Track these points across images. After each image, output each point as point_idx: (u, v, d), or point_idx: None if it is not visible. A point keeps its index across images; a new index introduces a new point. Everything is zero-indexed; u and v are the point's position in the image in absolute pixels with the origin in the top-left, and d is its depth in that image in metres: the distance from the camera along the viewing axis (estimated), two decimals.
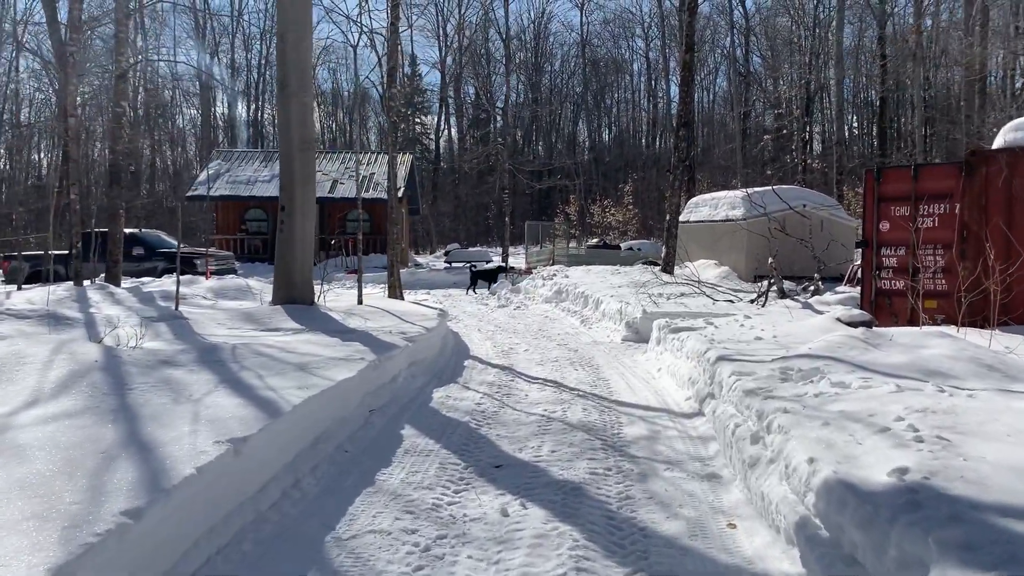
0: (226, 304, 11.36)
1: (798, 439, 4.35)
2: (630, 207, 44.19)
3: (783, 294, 15.52)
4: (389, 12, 12.88)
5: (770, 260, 14.66)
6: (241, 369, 6.60)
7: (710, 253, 20.65)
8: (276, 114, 11.47)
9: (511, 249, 36.88)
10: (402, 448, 6.09)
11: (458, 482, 5.36)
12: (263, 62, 65.18)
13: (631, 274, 18.95)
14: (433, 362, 9.60)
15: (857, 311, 9.27)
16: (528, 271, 23.23)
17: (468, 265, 26.19)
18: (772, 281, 14.94)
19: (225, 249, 31.47)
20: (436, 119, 67.38)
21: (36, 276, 20.56)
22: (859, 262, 18.99)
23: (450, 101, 66.92)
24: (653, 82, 67.78)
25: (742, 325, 9.88)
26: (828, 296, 15.43)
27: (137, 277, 20.35)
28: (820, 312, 13.31)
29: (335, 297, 12.77)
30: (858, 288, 17.33)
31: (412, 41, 72.89)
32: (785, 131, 41.42)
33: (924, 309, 10.29)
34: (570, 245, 31.48)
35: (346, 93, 73.35)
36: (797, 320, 10.56)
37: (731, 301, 14.73)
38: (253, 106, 66.26)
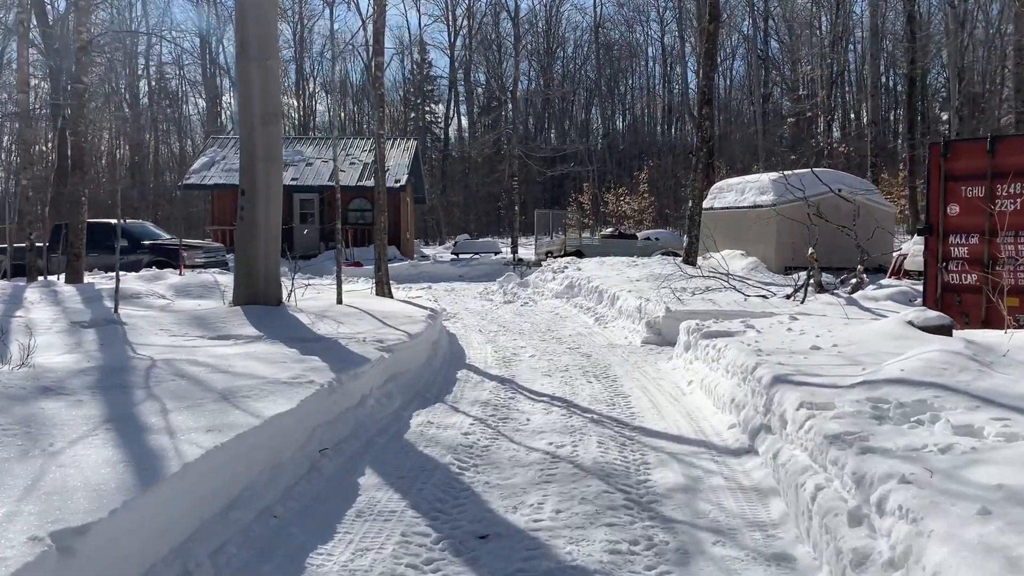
0: (183, 304, 9.83)
1: (947, 543, 2.69)
2: (646, 195, 42.37)
3: (821, 288, 13.82)
4: None
5: (810, 250, 12.95)
6: (147, 398, 5.01)
7: (736, 242, 18.94)
8: (236, 81, 9.99)
9: (522, 239, 35.27)
10: (355, 508, 4.49)
11: (424, 567, 3.77)
12: None
13: (650, 266, 17.28)
14: (418, 375, 7.98)
15: (933, 313, 7.60)
16: (538, 263, 21.60)
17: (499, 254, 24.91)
18: (811, 273, 13.23)
19: (221, 240, 29.99)
20: (445, 106, 65.62)
21: (20, 270, 19.17)
22: (905, 251, 17.25)
23: (460, 87, 65.13)
24: (669, 67, 65.81)
25: (789, 329, 8.21)
26: (873, 290, 13.72)
27: (121, 271, 18.86)
28: (867, 309, 11.65)
29: (316, 295, 11.19)
30: (905, 281, 15.62)
31: (420, 26, 71.19)
32: (809, 114, 39.53)
33: (1005, 308, 8.61)
34: (583, 235, 29.77)
35: (356, 80, 71.71)
36: (855, 322, 8.88)
37: (764, 297, 13.06)
38: None
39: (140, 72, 60.96)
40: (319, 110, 69.58)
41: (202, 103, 64.56)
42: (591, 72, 67.41)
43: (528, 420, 6.61)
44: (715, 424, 6.52)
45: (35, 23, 16.84)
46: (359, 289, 12.46)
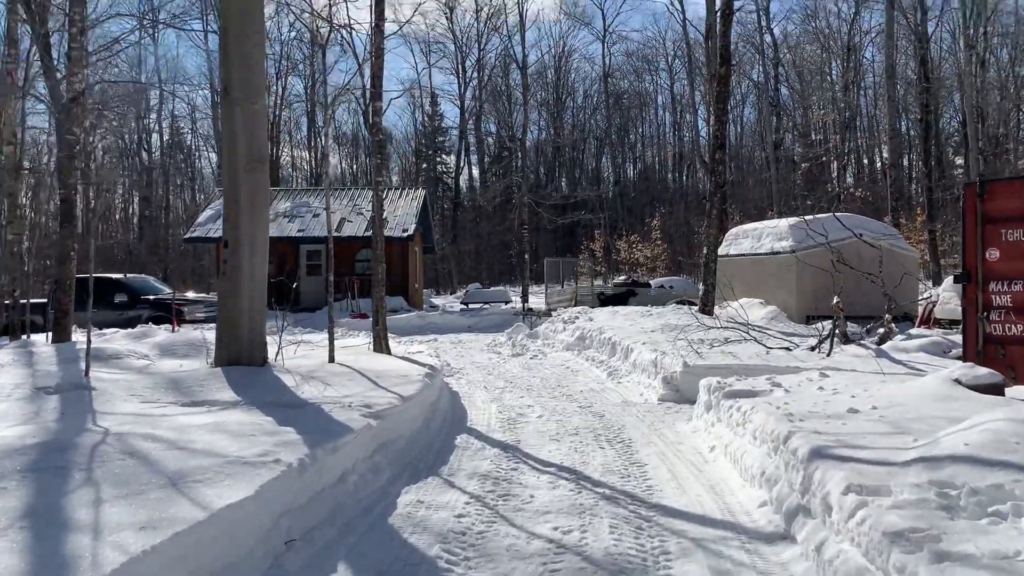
0: (164, 365, 9.18)
1: None
2: (658, 242, 41.75)
3: (847, 338, 13.04)
4: (373, 9, 10.74)
5: (835, 299, 12.22)
6: (83, 484, 4.31)
7: (754, 290, 18.21)
8: (220, 125, 9.51)
9: (534, 288, 34.63)
10: None
11: None
12: (277, 102, 64.02)
13: (665, 315, 16.55)
14: (411, 443, 7.25)
15: (983, 370, 6.84)
16: (548, 313, 20.91)
17: (599, 295, 24.32)
18: (836, 323, 12.47)
19: None
20: (456, 157, 65.64)
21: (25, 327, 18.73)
22: (934, 298, 16.47)
23: (470, 137, 65.19)
24: (679, 115, 65.70)
25: (820, 388, 7.46)
26: (903, 341, 12.94)
27: (120, 327, 18.29)
28: (900, 362, 10.88)
29: (309, 351, 10.51)
30: (936, 330, 14.82)
31: (431, 78, 71.68)
32: (823, 159, 39.01)
33: None
34: (595, 283, 29.07)
35: (365, 136, 72.01)
36: (892, 379, 8.12)
37: (787, 349, 12.29)
38: (272, 147, 64.97)
39: (152, 126, 61.37)
40: (332, 162, 69.83)
41: (215, 157, 64.79)
42: (601, 121, 67.42)
43: (532, 497, 5.86)
44: (743, 500, 5.75)
45: (41, 73, 16.48)
46: (357, 344, 11.80)
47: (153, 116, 60.92)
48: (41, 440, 5.36)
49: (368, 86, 12.12)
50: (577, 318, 17.26)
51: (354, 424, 6.18)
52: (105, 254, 52.40)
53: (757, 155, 57.23)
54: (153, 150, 61.72)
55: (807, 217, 15.75)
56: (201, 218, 30.90)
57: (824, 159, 39.77)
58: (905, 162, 53.30)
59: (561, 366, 14.44)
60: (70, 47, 13.07)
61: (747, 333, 12.85)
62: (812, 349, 12.42)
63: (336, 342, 13.45)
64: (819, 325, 15.12)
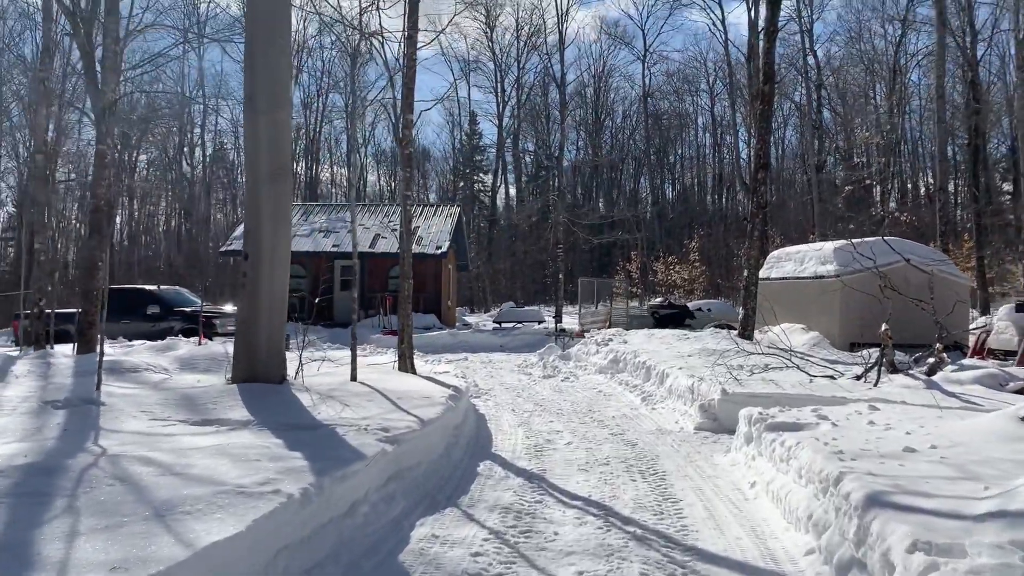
0: (182, 380, 8.89)
1: None
2: (696, 264, 41.06)
3: (895, 368, 12.39)
4: (406, 19, 10.44)
5: (883, 326, 11.60)
6: (62, 513, 3.96)
7: (795, 316, 17.56)
8: (243, 135, 9.23)
9: (569, 308, 34.15)
10: None
11: None
12: (318, 118, 64.49)
13: (703, 340, 15.98)
14: (431, 470, 6.83)
15: None
16: (581, 334, 20.42)
17: (653, 313, 23.61)
18: (884, 352, 11.84)
19: None
20: (492, 175, 65.51)
21: (57, 336, 18.71)
22: (988, 328, 15.71)
23: (508, 156, 65.03)
24: (719, 137, 64.98)
25: (871, 422, 6.90)
26: (955, 372, 12.25)
27: (152, 339, 18.17)
28: (953, 394, 10.21)
29: (332, 369, 10.15)
30: (990, 361, 14.08)
31: (470, 98, 71.78)
32: (868, 181, 38.12)
33: None
34: (630, 304, 28.50)
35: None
36: (949, 415, 7.54)
37: (831, 377, 11.68)
38: (312, 163, 65.36)
39: (196, 140, 62.14)
40: (370, 180, 70.12)
41: None
42: (640, 141, 66.91)
43: (556, 535, 5.41)
44: (787, 546, 5.24)
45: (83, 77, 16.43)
46: (382, 363, 11.44)
47: (197, 130, 61.75)
48: (32, 460, 5.04)
49: (399, 97, 11.66)
50: (611, 340, 16.76)
51: (368, 449, 5.78)
52: (147, 265, 53.03)
53: (798, 178, 56.27)
54: (196, 164, 62.46)
55: (854, 240, 15.12)
56: (237, 232, 30.93)
57: (868, 182, 38.86)
58: (951, 187, 52.10)
59: (593, 390, 13.95)
60: (104, 56, 12.98)
61: (789, 360, 12.27)
62: (858, 378, 11.80)
63: (363, 359, 13.14)
64: (864, 353, 14.47)
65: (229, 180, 65.52)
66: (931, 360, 13.01)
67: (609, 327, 21.56)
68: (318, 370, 10.02)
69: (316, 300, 22.75)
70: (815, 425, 6.98)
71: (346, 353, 14.79)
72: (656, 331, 17.51)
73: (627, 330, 18.93)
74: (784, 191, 57.15)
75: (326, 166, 68.01)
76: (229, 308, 21.88)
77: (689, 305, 26.08)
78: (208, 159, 62.72)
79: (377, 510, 5.46)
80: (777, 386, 10.68)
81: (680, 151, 70.66)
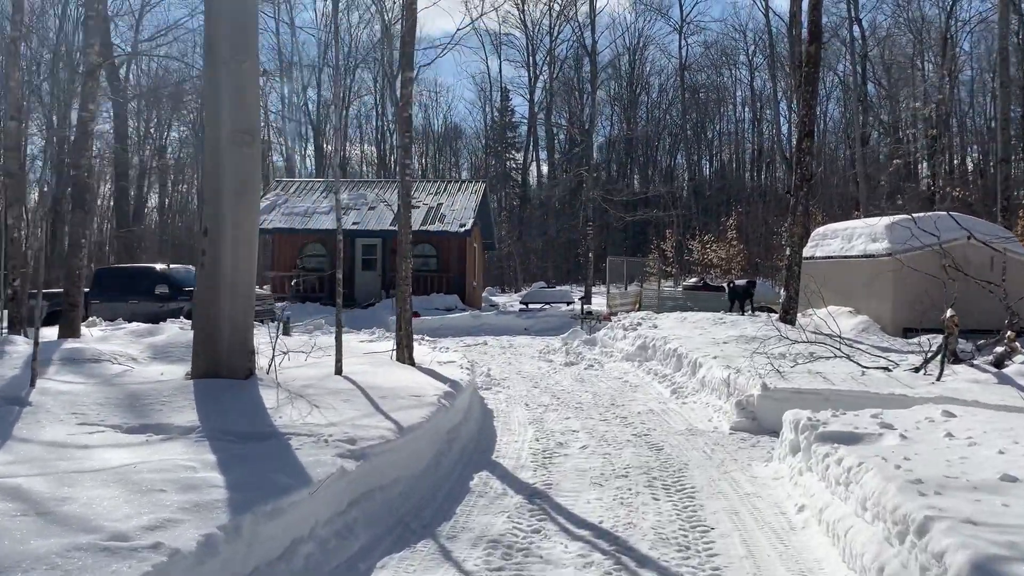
0: (144, 372, 7.84)
1: None
2: (734, 243, 39.40)
3: (956, 358, 11.03)
4: None
5: (948, 312, 10.24)
6: None
7: (842, 298, 16.13)
8: (203, 90, 8.10)
9: (599, 288, 32.86)
10: None
11: None
12: (347, 95, 63.40)
13: (740, 324, 14.66)
14: (411, 488, 5.71)
15: None
16: (608, 317, 19.17)
17: (729, 284, 22.29)
18: (947, 340, 10.47)
19: (280, 288, 28.60)
20: (523, 152, 64.06)
21: (55, 317, 18.01)
22: None
23: (540, 130, 63.49)
24: (758, 111, 62.79)
25: (949, 435, 5.61)
26: None
27: (160, 320, 17.27)
28: None
29: (320, 358, 9.00)
30: None
31: (502, 73, 70.13)
32: (917, 155, 36.18)
33: None
34: (663, 285, 27.05)
35: (436, 127, 71.10)
36: None
37: (886, 369, 10.36)
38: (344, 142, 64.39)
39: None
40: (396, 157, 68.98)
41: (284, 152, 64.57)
42: (676, 116, 64.95)
43: None
44: None
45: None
46: (381, 351, 10.31)
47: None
48: None
49: (396, 51, 10.41)
50: (640, 324, 15.49)
51: (320, 470, 4.65)
52: (175, 241, 52.35)
53: (841, 153, 54.08)
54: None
55: (915, 215, 13.63)
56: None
57: (917, 156, 36.90)
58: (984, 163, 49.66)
59: (618, 379, 12.74)
60: (86, 16, 11.96)
61: (838, 349, 10.94)
62: (917, 370, 10.45)
63: (363, 346, 12.06)
64: (920, 340, 13.09)
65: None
66: (999, 349, 11.60)
67: (639, 309, 20.27)
68: (306, 360, 8.92)
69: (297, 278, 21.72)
70: (878, 436, 5.71)
71: (353, 338, 13.73)
72: (689, 315, 16.19)
73: (658, 313, 17.63)
74: (827, 167, 54.99)
75: (356, 144, 66.86)
76: None
77: (726, 285, 24.63)
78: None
79: (327, 548, 4.33)
80: (825, 380, 9.38)
81: (718, 126, 68.56)
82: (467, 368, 9.60)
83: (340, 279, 8.76)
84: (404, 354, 9.24)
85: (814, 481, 5.70)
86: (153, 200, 56.65)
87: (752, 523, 5.45)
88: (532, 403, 10.35)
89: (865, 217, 23.65)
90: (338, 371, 7.91)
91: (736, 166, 68.27)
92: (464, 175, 65.43)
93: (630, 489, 6.23)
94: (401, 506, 5.35)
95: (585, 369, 13.78)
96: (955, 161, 50.72)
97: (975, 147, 53.25)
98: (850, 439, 5.70)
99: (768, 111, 60.29)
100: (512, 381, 12.29)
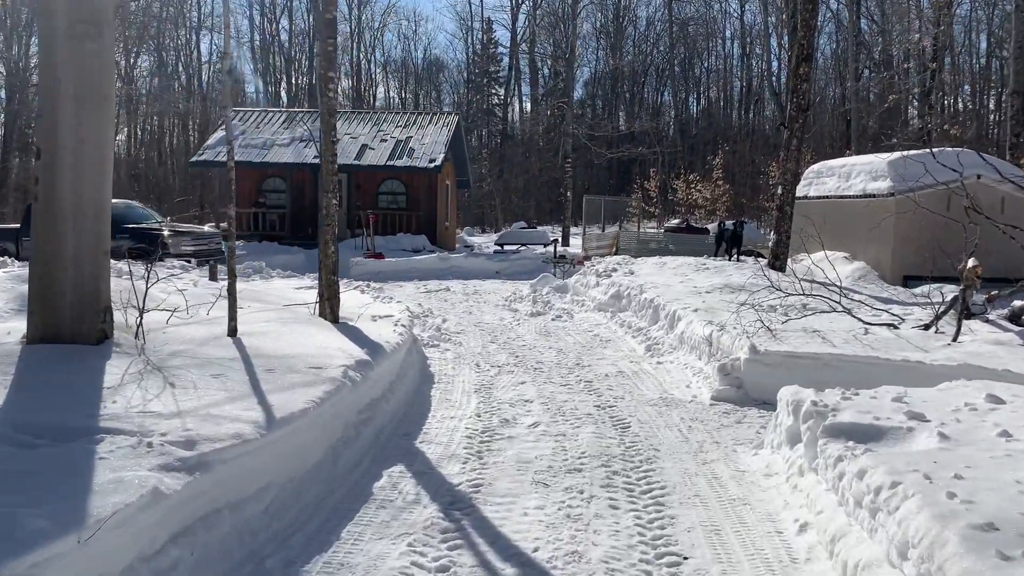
0: None
1: None
2: (720, 182, 37.81)
3: (968, 312, 9.64)
4: None
5: (971, 261, 8.84)
6: None
7: (838, 242, 14.69)
8: None
9: (577, 230, 31.33)
10: None
11: None
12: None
13: (725, 271, 13.22)
14: (285, 499, 4.26)
15: None
16: (583, 261, 17.72)
17: (719, 224, 18.31)
18: (964, 294, 9.07)
19: (240, 226, 26.84)
20: (504, 86, 61.69)
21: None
22: None
23: (523, 63, 60.99)
24: (748, 45, 60.50)
25: (1006, 435, 4.19)
26: None
27: None
28: None
29: (223, 312, 7.47)
30: None
31: (483, 2, 67.18)
32: (913, 91, 34.51)
33: None
34: (645, 227, 25.48)
35: (419, 61, 68.30)
36: None
37: (892, 326, 8.98)
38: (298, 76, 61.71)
39: (192, 48, 58.74)
40: (379, 94, 66.24)
41: (259, 82, 61.93)
42: (664, 50, 62.60)
43: None
44: None
45: None
46: (301, 304, 8.73)
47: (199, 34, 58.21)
48: None
49: None
50: (615, 270, 14.01)
51: (114, 498, 3.18)
52: (152, 182, 49.80)
53: (831, 92, 52.17)
54: (193, 74, 58.97)
55: (931, 150, 12.11)
56: (211, 140, 28.09)
57: (914, 91, 35.21)
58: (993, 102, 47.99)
59: (588, 332, 11.33)
60: None
61: (837, 302, 9.52)
62: (927, 328, 9.06)
63: (301, 294, 10.53)
64: (923, 290, 11.74)
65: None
66: (1018, 303, 10.24)
67: (616, 253, 18.76)
68: (208, 313, 7.41)
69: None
70: (907, 433, 4.30)
71: (290, 285, 12.23)
72: (669, 259, 14.71)
73: (636, 257, 16.14)
74: (816, 105, 53.12)
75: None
76: (184, 228, 19.27)
77: (710, 227, 23.14)
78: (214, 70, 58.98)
79: None
80: (824, 340, 7.99)
81: (706, 63, 66.26)
82: (405, 324, 8.09)
83: (231, 217, 7.17)
84: (326, 309, 7.72)
85: (822, 491, 4.31)
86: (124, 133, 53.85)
87: (739, 549, 4.07)
88: (485, 363, 8.92)
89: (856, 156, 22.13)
90: (231, 331, 6.40)
91: (724, 104, 66.22)
92: (447, 112, 63.06)
93: (582, 492, 4.82)
94: (261, 532, 3.91)
95: (552, 320, 12.34)
96: (947, 101, 49.02)
97: (966, 87, 51.61)
98: (871, 435, 4.29)
99: (758, 47, 58.11)
100: (468, 335, 10.84)
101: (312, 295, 10.73)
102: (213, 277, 11.58)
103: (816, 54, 54.81)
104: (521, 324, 11.98)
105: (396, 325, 7.85)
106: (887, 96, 39.32)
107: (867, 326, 8.81)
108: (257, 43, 60.95)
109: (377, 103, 63.74)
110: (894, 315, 9.63)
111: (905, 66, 36.30)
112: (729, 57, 65.58)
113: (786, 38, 43.99)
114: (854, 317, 9.16)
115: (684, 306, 10.31)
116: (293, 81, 62.89)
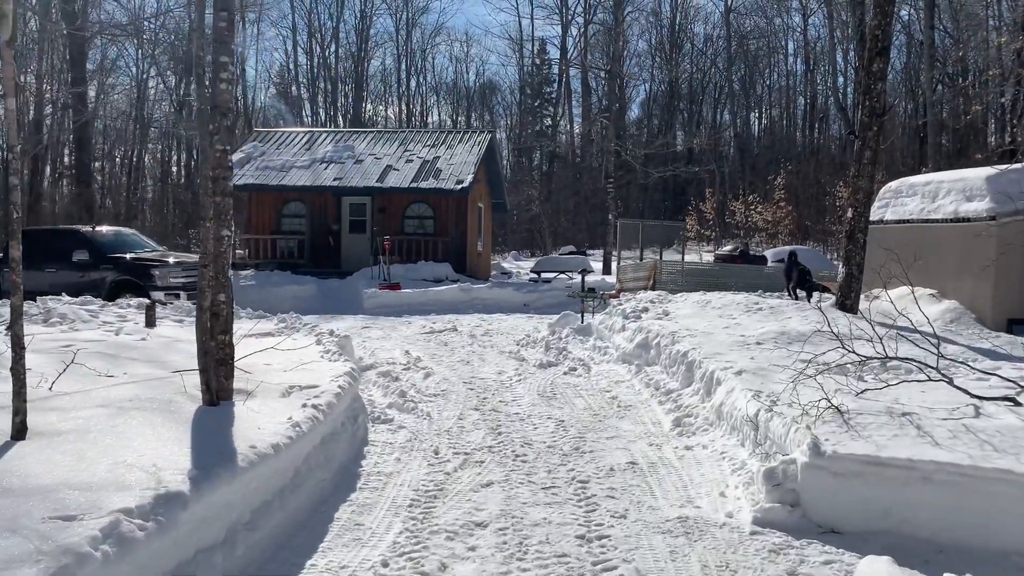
0: None
1: None
2: (782, 204, 34.94)
3: None
4: None
5: None
6: None
7: (922, 276, 12.00)
8: None
9: (623, 254, 28.86)
10: None
11: None
12: (365, 44, 59.60)
13: (783, 313, 10.71)
14: None
15: None
16: (617, 294, 15.30)
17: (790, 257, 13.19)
18: None
19: (256, 252, 25.15)
20: (553, 105, 59.61)
21: None
22: None
23: (575, 82, 58.87)
24: (812, 61, 57.26)
25: None
26: None
27: (78, 293, 13.86)
28: None
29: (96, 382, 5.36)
30: None
31: (533, 22, 65.33)
32: (1002, 100, 31.36)
33: None
34: (702, 250, 22.78)
35: (472, 83, 66.66)
36: None
37: (1011, 401, 6.45)
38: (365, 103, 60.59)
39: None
40: (431, 118, 64.73)
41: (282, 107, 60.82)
42: (722, 65, 59.83)
43: None
44: None
45: None
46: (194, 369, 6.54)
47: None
48: None
49: None
50: (646, 310, 11.56)
51: None
52: (131, 208, 48.04)
53: (901, 107, 48.78)
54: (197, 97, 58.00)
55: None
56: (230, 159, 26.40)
57: (1000, 102, 32.04)
58: None
59: (604, 392, 8.97)
60: None
61: (934, 366, 6.97)
62: None
63: (264, 341, 8.37)
64: None
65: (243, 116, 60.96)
66: None
67: (653, 286, 16.23)
68: (48, 385, 5.31)
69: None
70: None
71: (268, 327, 10.09)
72: (714, 296, 12.19)
73: (676, 293, 13.62)
74: (886, 123, 49.70)
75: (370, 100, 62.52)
76: (175, 257, 17.44)
77: (767, 254, 20.43)
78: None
79: None
80: (920, 431, 5.50)
81: (768, 80, 63.22)
82: (321, 408, 5.80)
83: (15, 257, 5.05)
84: (205, 384, 5.47)
85: None
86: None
87: None
88: (448, 448, 6.64)
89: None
90: (17, 431, 4.24)
91: (786, 123, 62.99)
92: (501, 135, 61.04)
93: None
94: None
95: (565, 374, 10.00)
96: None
97: None
98: None
99: (823, 64, 54.82)
100: (447, 399, 8.57)
101: (271, 341, 8.63)
102: (151, 323, 9.54)
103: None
104: (524, 380, 9.65)
105: (306, 408, 5.60)
106: (967, 109, 36.13)
107: (979, 403, 6.29)
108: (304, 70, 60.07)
109: (428, 123, 62.28)
110: (1009, 380, 7.06)
111: (991, 72, 33.11)
112: (792, 74, 62.48)
113: (852, 53, 41.20)
114: (955, 387, 6.63)
115: (726, 364, 7.89)
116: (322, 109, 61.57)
